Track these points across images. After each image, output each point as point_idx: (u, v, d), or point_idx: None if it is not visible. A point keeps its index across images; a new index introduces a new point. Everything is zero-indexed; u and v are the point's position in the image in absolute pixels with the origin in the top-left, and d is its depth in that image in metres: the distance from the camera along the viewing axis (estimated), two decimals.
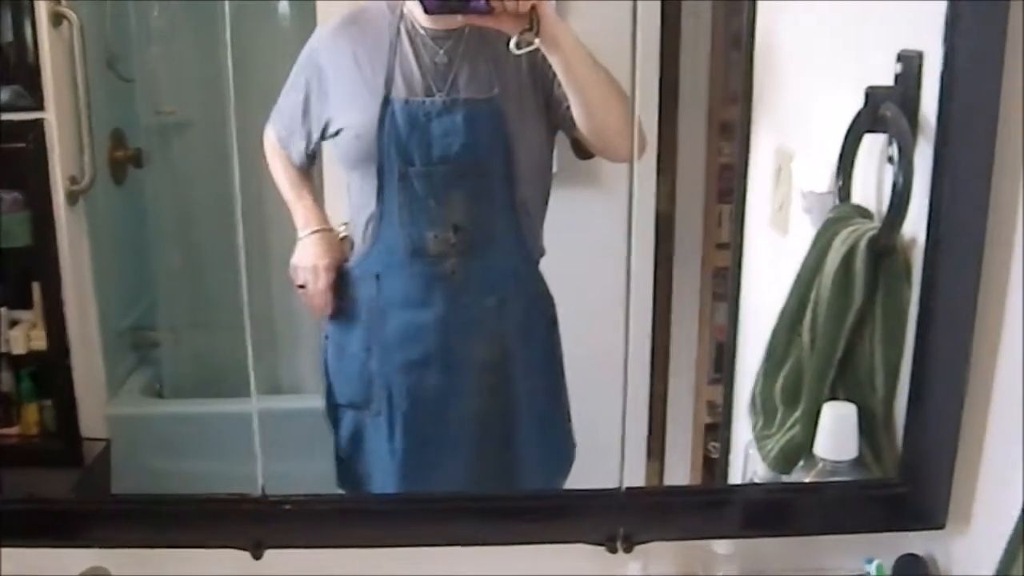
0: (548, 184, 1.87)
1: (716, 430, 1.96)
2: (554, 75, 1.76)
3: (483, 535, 1.55)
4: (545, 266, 1.88)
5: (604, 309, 1.75)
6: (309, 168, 1.88)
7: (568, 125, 1.80)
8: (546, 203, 1.87)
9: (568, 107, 1.78)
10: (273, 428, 1.70)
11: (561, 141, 1.85)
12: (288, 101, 1.85)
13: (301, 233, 1.89)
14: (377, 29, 1.81)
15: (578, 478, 1.90)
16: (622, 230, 1.69)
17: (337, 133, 1.82)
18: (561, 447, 1.95)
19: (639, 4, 1.66)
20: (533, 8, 1.67)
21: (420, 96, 1.79)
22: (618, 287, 1.68)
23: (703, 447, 1.99)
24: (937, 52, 1.37)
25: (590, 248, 1.91)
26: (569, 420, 1.94)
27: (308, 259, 1.89)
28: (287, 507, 1.53)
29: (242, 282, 1.69)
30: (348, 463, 1.95)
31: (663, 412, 1.98)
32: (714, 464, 1.96)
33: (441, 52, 1.80)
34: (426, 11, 1.71)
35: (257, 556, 1.53)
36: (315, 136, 1.84)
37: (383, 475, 1.91)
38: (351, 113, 1.81)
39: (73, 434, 1.92)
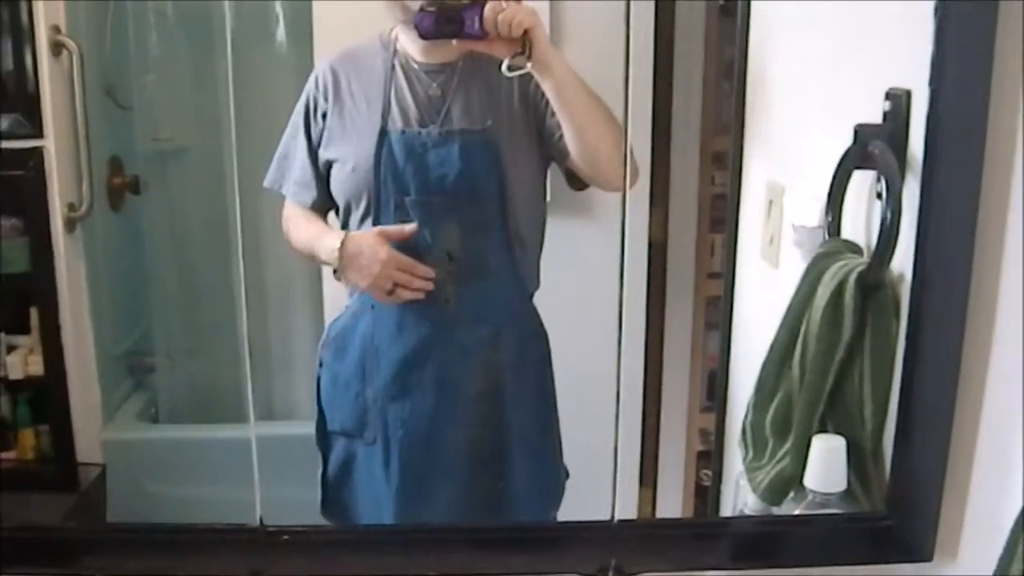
0: (542, 215, 1.89)
1: (708, 457, 1.97)
2: (547, 105, 1.78)
3: (477, 566, 1.56)
4: (538, 295, 1.90)
5: (597, 337, 1.75)
6: (326, 208, 1.88)
7: (561, 155, 1.82)
8: (542, 235, 1.89)
9: (560, 137, 1.80)
10: (267, 454, 1.71)
11: (555, 173, 1.86)
12: (295, 145, 1.86)
13: (336, 244, 1.83)
14: (371, 64, 1.83)
15: (570, 507, 1.91)
16: (615, 259, 1.69)
17: (331, 165, 1.83)
18: (553, 477, 1.96)
19: (632, 34, 1.67)
20: (526, 33, 1.69)
21: (415, 127, 1.80)
22: (611, 315, 1.68)
23: (695, 475, 2.00)
24: (925, 90, 1.38)
25: (583, 277, 1.92)
26: (561, 450, 1.95)
27: (363, 239, 1.83)
28: (285, 537, 1.54)
29: (240, 308, 1.70)
30: (336, 490, 1.95)
31: (656, 439, 1.99)
32: (706, 492, 1.97)
33: (434, 85, 1.81)
34: (421, 36, 1.73)
35: None
36: (319, 172, 1.85)
37: (375, 503, 1.92)
38: (347, 147, 1.82)
39: (69, 459, 1.93)
